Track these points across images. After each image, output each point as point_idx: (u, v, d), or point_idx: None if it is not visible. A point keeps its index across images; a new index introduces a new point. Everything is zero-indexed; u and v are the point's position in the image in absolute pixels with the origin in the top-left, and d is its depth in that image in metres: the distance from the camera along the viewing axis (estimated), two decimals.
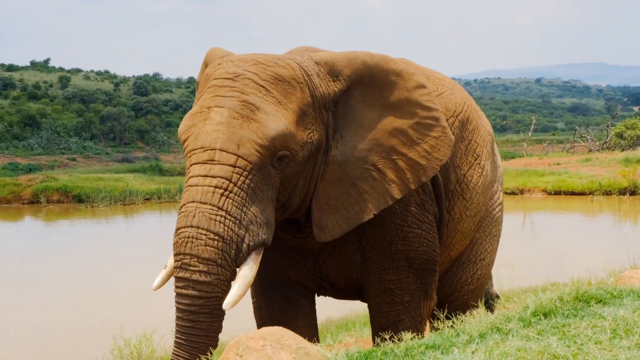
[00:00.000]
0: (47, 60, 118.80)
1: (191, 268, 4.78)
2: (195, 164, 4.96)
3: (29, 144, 62.75)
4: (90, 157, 61.38)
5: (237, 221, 4.86)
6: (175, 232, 4.89)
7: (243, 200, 4.90)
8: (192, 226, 4.81)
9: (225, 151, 4.92)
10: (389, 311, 6.05)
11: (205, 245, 4.78)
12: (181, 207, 4.93)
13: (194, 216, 4.82)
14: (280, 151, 5.03)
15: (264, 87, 5.13)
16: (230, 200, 4.87)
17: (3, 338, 13.20)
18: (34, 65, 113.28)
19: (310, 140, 5.24)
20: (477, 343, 4.25)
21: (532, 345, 4.08)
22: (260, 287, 6.30)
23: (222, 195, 4.87)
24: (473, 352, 4.05)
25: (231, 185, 4.89)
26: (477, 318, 4.78)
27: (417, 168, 5.59)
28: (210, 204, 4.85)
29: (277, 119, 5.01)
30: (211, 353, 4.80)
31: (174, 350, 4.93)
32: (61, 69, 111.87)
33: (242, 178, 4.91)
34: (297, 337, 4.30)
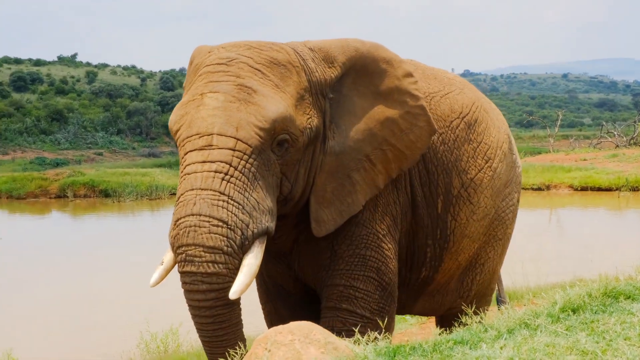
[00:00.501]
0: (74, 55, 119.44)
1: (197, 260, 4.57)
2: (191, 151, 4.76)
3: (56, 139, 63.24)
4: (116, 152, 61.79)
5: (241, 206, 4.68)
6: (174, 224, 4.68)
7: (245, 185, 4.72)
8: (193, 214, 4.60)
9: (223, 135, 4.74)
10: (347, 318, 5.66)
11: (210, 233, 4.57)
12: (179, 198, 4.72)
13: (195, 204, 4.61)
14: (280, 135, 4.88)
15: (259, 70, 4.99)
16: (232, 185, 4.68)
17: (30, 332, 13.26)
18: (61, 60, 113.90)
19: (310, 125, 5.12)
20: (505, 339, 4.21)
21: (560, 341, 4.05)
22: (267, 295, 6.26)
23: (222, 179, 4.68)
24: (501, 348, 4.03)
25: (232, 169, 4.70)
26: (505, 314, 4.75)
27: (401, 158, 5.58)
28: (211, 190, 4.65)
29: (276, 102, 4.88)
30: (241, 347, 4.67)
31: (205, 350, 4.85)
32: (88, 64, 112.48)
33: (242, 162, 4.74)
34: (326, 331, 4.31)
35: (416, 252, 6.15)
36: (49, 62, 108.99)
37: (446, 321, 6.91)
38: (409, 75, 5.61)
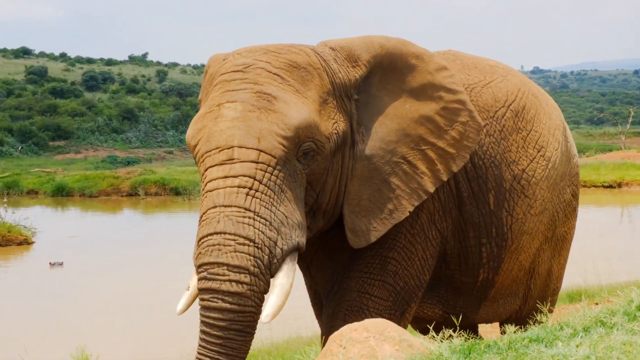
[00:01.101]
0: (145, 55, 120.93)
1: (219, 277, 4.20)
2: (212, 166, 4.43)
3: (127, 138, 63.98)
4: (186, 150, 62.15)
5: (268, 223, 4.32)
6: (197, 243, 4.35)
7: (271, 200, 4.37)
8: (217, 233, 4.26)
9: (244, 147, 4.39)
10: None
11: (235, 252, 4.21)
12: (201, 217, 4.39)
13: (218, 221, 4.26)
14: (305, 143, 4.53)
15: (278, 75, 4.63)
16: (258, 200, 4.33)
17: (102, 328, 13.46)
18: (132, 59, 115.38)
19: (336, 131, 4.75)
20: (581, 337, 4.16)
21: (637, 339, 3.99)
22: (312, 300, 5.91)
23: (247, 194, 4.32)
24: (577, 346, 3.97)
25: (256, 183, 4.35)
26: (581, 312, 4.71)
27: (446, 157, 5.17)
28: (235, 206, 4.30)
29: (298, 108, 4.53)
30: None
31: None
32: (159, 63, 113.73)
33: (267, 174, 4.38)
34: (401, 329, 4.24)
35: (469, 253, 5.72)
36: (120, 62, 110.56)
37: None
38: (443, 68, 5.24)
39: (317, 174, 4.67)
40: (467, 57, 6.16)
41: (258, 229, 4.27)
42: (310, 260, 5.42)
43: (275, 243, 4.33)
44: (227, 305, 4.17)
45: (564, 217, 6.39)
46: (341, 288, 5.29)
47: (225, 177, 4.35)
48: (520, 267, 6.08)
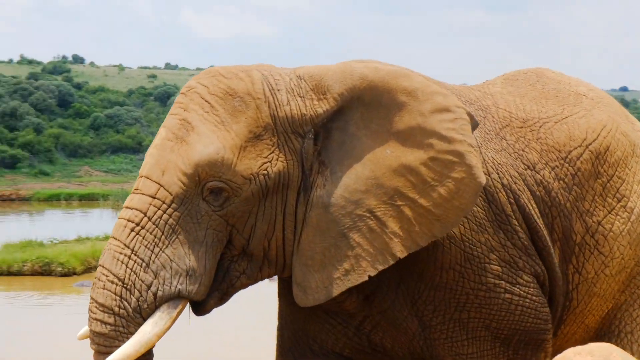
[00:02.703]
0: None
1: (91, 315, 4.03)
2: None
3: None
4: None
5: (144, 263, 4.00)
6: None
7: (156, 239, 4.02)
8: (100, 265, 4.07)
9: (149, 178, 4.12)
10: None
11: (104, 289, 3.99)
12: None
13: (103, 253, 4.08)
14: (209, 182, 4.08)
15: (208, 102, 4.21)
16: (140, 238, 4.03)
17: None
18: None
19: (265, 171, 4.15)
20: None
21: None
22: (281, 353, 5.12)
23: (132, 230, 4.04)
24: None
25: (145, 219, 4.04)
26: None
27: (429, 219, 4.20)
28: (118, 240, 4.05)
29: (206, 142, 4.09)
30: None
31: None
32: None
33: (159, 212, 4.04)
34: (625, 353, 3.97)
35: None
36: None
37: None
38: (443, 110, 4.26)
39: (238, 217, 4.16)
40: (553, 79, 5.38)
41: (131, 269, 4.00)
42: (363, 319, 4.69)
43: (149, 287, 4.00)
44: (95, 347, 4.03)
45: None
46: (431, 357, 4.71)
47: (126, 207, 4.13)
48: (587, 331, 5.24)
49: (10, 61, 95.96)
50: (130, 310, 3.97)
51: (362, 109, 4.29)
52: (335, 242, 4.20)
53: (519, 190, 4.69)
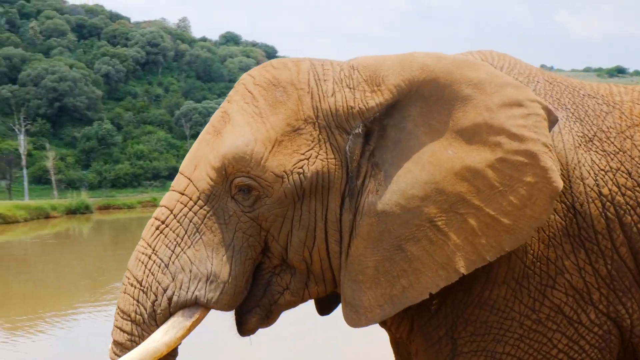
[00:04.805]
0: None
1: (114, 322, 3.74)
2: None
3: None
4: None
5: (162, 264, 3.65)
6: None
7: (178, 238, 3.67)
8: (128, 267, 3.77)
9: (182, 174, 3.80)
10: None
11: (124, 293, 3.70)
12: None
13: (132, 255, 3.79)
14: (237, 177, 3.65)
15: (251, 93, 3.80)
16: (163, 236, 3.69)
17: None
18: None
19: (301, 170, 3.66)
20: None
21: None
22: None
23: (157, 228, 3.72)
24: None
25: (170, 217, 3.71)
26: None
27: (497, 229, 3.53)
28: (143, 239, 3.75)
29: (238, 134, 3.68)
30: None
31: None
32: None
33: (185, 209, 3.69)
34: None
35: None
36: None
37: None
38: (514, 104, 3.62)
39: (271, 221, 3.69)
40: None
41: (149, 269, 3.67)
42: (415, 352, 4.09)
43: (165, 290, 3.64)
44: (113, 356, 3.70)
45: None
46: None
47: (160, 205, 3.84)
48: None
49: None
50: (146, 315, 3.65)
51: (421, 103, 3.69)
52: (390, 255, 3.61)
53: (628, 205, 3.78)
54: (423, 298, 3.58)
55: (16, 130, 66.32)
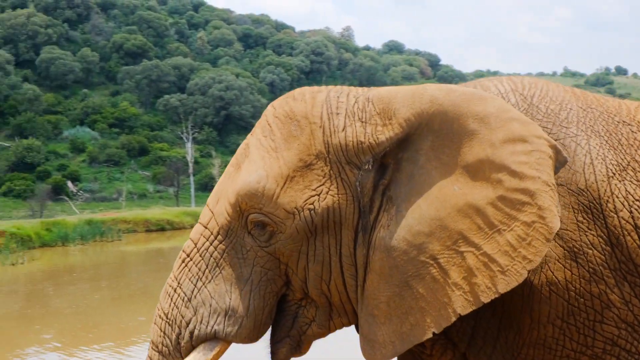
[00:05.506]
0: None
1: (148, 355, 3.89)
2: None
3: None
4: None
5: (186, 298, 3.74)
6: None
7: (199, 272, 3.75)
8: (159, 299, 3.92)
9: (207, 207, 3.89)
10: None
11: (154, 324, 3.85)
12: None
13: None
14: (251, 214, 3.68)
15: (270, 126, 3.81)
16: (187, 270, 3.79)
17: None
18: None
19: (311, 206, 3.65)
20: None
21: None
22: None
23: (183, 261, 3.83)
24: None
25: (194, 250, 3.80)
26: None
27: (492, 270, 3.46)
28: (173, 272, 3.86)
29: (252, 169, 3.71)
30: None
31: None
32: None
33: (207, 243, 3.77)
34: None
35: None
36: None
37: None
38: (517, 140, 3.55)
39: (287, 255, 3.71)
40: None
41: (174, 303, 3.78)
42: None
43: (188, 324, 3.73)
44: None
45: None
46: None
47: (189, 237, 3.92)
48: None
49: (554, 74, 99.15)
50: (172, 348, 3.78)
51: (432, 137, 3.65)
52: (399, 292, 3.60)
53: None
54: (427, 337, 3.53)
55: (184, 138, 67.81)
